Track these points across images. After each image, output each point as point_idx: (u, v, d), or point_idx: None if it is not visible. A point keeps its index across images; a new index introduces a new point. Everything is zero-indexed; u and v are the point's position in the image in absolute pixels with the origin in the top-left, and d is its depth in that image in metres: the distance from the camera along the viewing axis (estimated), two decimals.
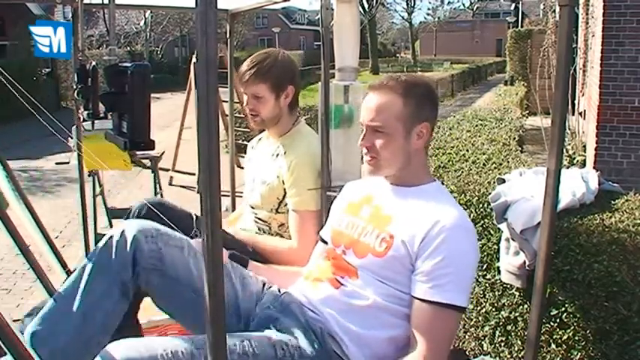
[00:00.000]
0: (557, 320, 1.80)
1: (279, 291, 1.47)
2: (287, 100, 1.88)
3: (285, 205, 1.88)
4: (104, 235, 1.42)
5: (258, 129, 2.00)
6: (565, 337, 1.78)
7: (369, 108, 1.38)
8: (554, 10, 7.72)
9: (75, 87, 1.81)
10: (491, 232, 2.07)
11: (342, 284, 1.35)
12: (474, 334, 2.18)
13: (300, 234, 1.81)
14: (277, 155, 1.90)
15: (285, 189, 1.85)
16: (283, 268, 1.75)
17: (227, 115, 3.92)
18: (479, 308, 2.13)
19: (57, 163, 6.74)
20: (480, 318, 2.13)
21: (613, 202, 1.96)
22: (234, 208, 2.84)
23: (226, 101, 3.43)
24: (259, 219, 1.96)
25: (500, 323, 2.03)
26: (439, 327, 1.25)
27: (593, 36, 5.50)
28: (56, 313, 1.33)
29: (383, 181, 1.46)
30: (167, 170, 6.33)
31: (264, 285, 1.52)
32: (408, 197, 1.39)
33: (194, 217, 1.82)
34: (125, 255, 1.34)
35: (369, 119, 1.37)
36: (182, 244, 1.42)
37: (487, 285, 2.09)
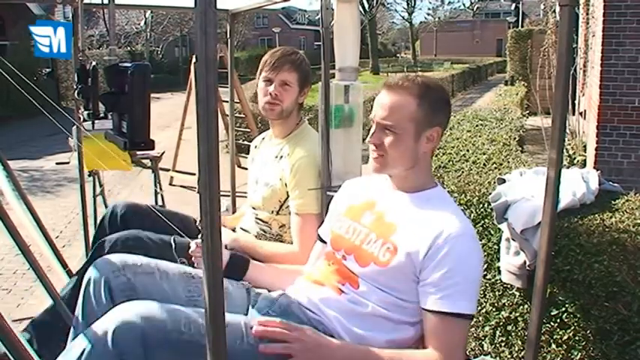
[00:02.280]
0: (558, 320, 1.80)
1: (275, 294, 1.46)
2: (302, 98, 1.91)
3: (287, 207, 1.87)
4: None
5: (273, 118, 1.91)
6: (565, 337, 1.78)
7: (383, 106, 1.35)
8: (555, 10, 7.72)
9: (75, 87, 1.81)
10: (492, 232, 2.07)
11: (343, 291, 1.35)
12: (474, 334, 2.18)
13: (302, 237, 1.79)
14: (281, 157, 1.89)
15: (287, 192, 1.85)
16: (283, 267, 1.75)
17: (227, 115, 3.93)
18: (479, 308, 2.13)
19: (57, 163, 6.74)
20: (480, 318, 2.13)
21: (613, 202, 1.96)
22: (234, 208, 2.83)
23: (226, 101, 3.43)
24: (260, 220, 1.95)
25: (501, 323, 2.02)
26: (452, 337, 1.26)
27: (593, 36, 5.49)
28: None
29: (385, 185, 1.45)
30: (167, 170, 6.32)
31: (247, 290, 1.50)
32: (411, 204, 1.38)
33: (173, 244, 1.74)
34: (104, 301, 1.35)
35: (380, 117, 1.35)
36: (152, 269, 1.43)
37: (487, 285, 2.09)
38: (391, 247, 1.31)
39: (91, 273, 1.40)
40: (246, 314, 1.42)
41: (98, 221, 1.92)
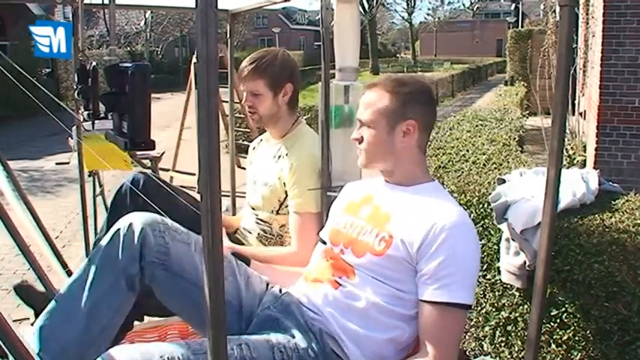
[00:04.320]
0: (558, 320, 1.80)
1: (280, 291, 1.47)
2: (285, 98, 1.88)
3: (286, 206, 1.87)
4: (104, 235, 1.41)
5: (257, 126, 2.01)
6: (565, 337, 1.78)
7: (362, 104, 1.45)
8: (555, 10, 7.72)
9: (75, 87, 1.80)
10: (492, 232, 2.07)
11: (340, 285, 1.35)
12: (474, 335, 2.18)
13: (300, 236, 1.80)
14: (279, 157, 1.89)
15: (286, 191, 1.85)
16: (284, 268, 1.75)
17: (227, 115, 3.92)
18: (479, 308, 2.13)
19: (57, 163, 6.74)
20: (480, 318, 2.13)
21: (613, 202, 1.96)
22: (234, 208, 2.84)
23: (226, 101, 3.43)
24: (260, 220, 1.96)
25: (501, 323, 2.03)
26: (448, 327, 1.26)
27: (593, 36, 5.50)
28: (63, 308, 1.32)
29: (382, 181, 1.48)
30: (167, 170, 6.32)
31: (267, 285, 1.52)
32: (405, 196, 1.40)
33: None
34: (133, 248, 1.33)
35: (359, 114, 1.45)
36: (189, 239, 1.41)
37: (487, 285, 2.09)
38: (386, 236, 1.32)
39: (130, 220, 1.36)
40: (258, 305, 1.44)
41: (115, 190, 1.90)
